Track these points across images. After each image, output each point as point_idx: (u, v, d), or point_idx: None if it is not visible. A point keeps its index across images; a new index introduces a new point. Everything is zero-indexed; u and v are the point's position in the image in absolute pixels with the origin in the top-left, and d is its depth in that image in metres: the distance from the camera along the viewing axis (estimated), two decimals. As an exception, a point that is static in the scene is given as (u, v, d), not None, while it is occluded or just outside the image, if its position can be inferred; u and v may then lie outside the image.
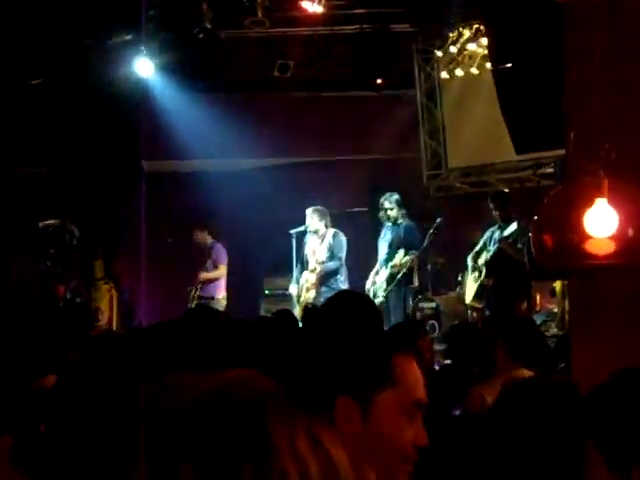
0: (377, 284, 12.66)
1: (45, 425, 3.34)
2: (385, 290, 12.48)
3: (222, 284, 13.79)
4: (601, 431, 2.42)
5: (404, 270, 12.40)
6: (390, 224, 12.81)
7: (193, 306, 13.04)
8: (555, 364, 6.50)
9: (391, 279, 12.44)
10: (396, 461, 2.21)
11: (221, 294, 13.71)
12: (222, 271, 13.74)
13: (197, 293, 13.60)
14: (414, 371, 2.32)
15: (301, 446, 0.91)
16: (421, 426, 2.26)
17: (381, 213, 12.98)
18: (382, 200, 12.95)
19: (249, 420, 0.92)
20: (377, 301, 12.20)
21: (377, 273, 12.81)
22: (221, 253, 13.83)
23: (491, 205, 12.15)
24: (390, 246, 12.66)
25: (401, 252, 12.37)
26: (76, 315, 6.50)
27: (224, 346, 3.56)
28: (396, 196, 12.85)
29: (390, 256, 12.60)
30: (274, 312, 7.79)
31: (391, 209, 12.79)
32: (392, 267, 12.41)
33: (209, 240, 13.94)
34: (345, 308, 4.13)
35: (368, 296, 10.25)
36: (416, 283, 12.75)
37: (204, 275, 13.69)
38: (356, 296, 4.65)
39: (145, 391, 0.98)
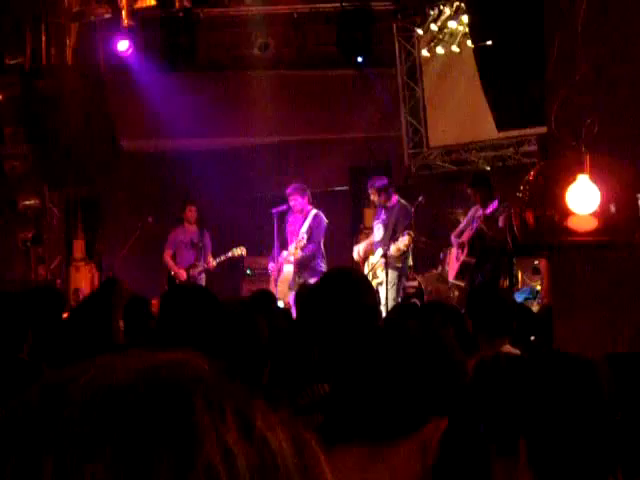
0: (376, 263, 12.59)
1: None
2: (383, 270, 12.44)
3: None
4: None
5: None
6: (383, 205, 12.74)
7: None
8: (537, 339, 6.50)
9: (394, 260, 12.40)
10: None
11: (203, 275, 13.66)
12: (213, 264, 13.61)
13: (198, 275, 13.51)
14: None
15: (229, 436, 0.85)
16: None
17: (370, 194, 12.91)
18: (371, 181, 12.87)
19: (172, 408, 0.86)
20: (376, 281, 12.21)
21: (373, 253, 12.76)
22: (210, 245, 13.71)
23: (469, 191, 12.11)
24: (385, 227, 12.60)
25: (405, 237, 12.28)
26: (48, 298, 6.47)
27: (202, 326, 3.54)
28: (379, 182, 12.71)
29: (385, 238, 12.52)
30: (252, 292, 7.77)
31: (373, 194, 12.73)
32: (396, 250, 12.33)
33: (195, 227, 13.76)
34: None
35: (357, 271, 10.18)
36: (410, 262, 12.73)
37: (198, 270, 13.55)
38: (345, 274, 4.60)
39: (53, 375, 0.91)
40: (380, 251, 12.54)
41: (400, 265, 12.48)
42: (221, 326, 3.44)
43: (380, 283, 12.37)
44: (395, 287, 12.39)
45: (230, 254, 13.46)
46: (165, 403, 0.85)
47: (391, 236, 12.46)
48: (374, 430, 2.14)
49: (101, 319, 5.97)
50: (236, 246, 13.65)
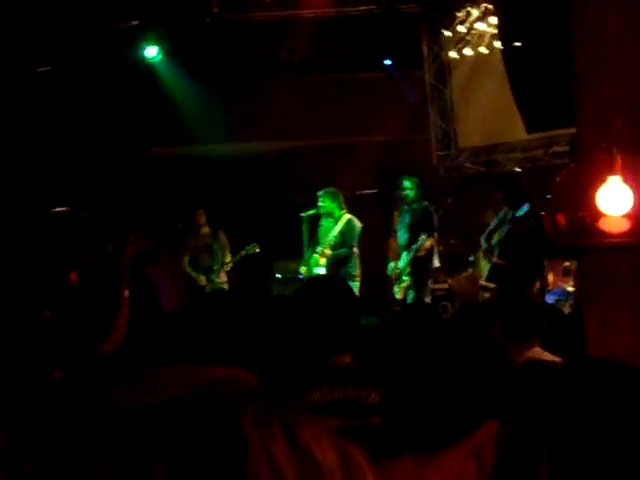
0: (400, 268, 12.58)
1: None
2: (409, 274, 12.42)
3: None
4: None
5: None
6: (407, 207, 12.70)
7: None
8: (567, 343, 6.45)
9: (415, 262, 12.37)
10: None
11: (224, 278, 13.68)
12: (229, 264, 13.65)
13: (216, 278, 13.54)
14: None
15: (277, 449, 0.86)
16: None
17: (399, 193, 12.84)
18: (401, 179, 12.82)
19: (222, 422, 0.87)
20: (403, 285, 12.19)
21: (398, 257, 12.74)
22: (227, 244, 13.73)
23: (501, 192, 12.08)
24: (410, 229, 12.57)
25: (423, 237, 12.26)
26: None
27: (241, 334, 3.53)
28: (416, 178, 12.72)
29: (411, 240, 12.50)
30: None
31: (410, 189, 12.66)
32: (416, 251, 12.31)
33: (207, 228, 13.79)
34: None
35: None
36: (437, 264, 12.69)
37: (234, 260, 13.59)
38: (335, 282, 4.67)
39: (118, 390, 0.94)
40: (405, 255, 12.51)
41: (423, 262, 12.45)
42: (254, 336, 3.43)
43: (407, 287, 12.35)
44: (423, 289, 12.37)
45: (244, 252, 13.47)
46: (215, 417, 0.86)
47: (415, 237, 12.45)
48: (426, 439, 2.11)
49: (105, 290, 5.90)
50: (265, 250, 13.68)
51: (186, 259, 13.77)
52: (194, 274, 13.60)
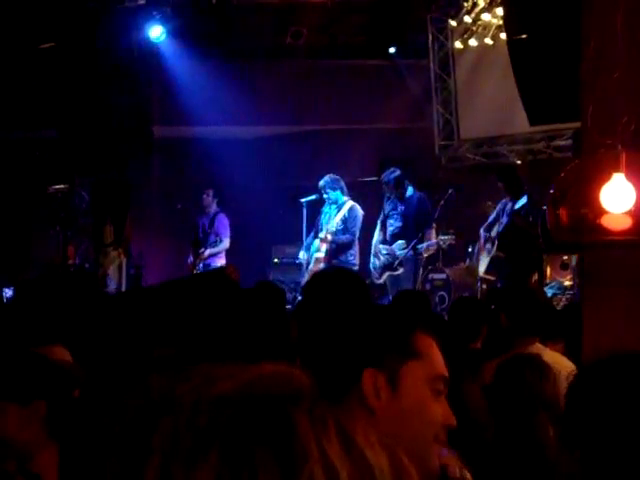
0: (395, 253, 12.56)
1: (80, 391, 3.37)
2: (400, 263, 12.43)
3: (223, 253, 13.78)
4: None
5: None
6: (393, 195, 12.71)
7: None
8: (563, 337, 6.46)
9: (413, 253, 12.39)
10: (430, 439, 2.17)
11: (220, 262, 13.69)
12: (226, 244, 13.69)
13: (200, 264, 13.57)
14: (436, 348, 2.29)
15: (331, 449, 0.87)
16: (448, 406, 2.22)
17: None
18: (382, 177, 12.86)
19: (277, 420, 0.87)
20: (397, 273, 12.21)
21: (385, 243, 12.71)
22: (225, 226, 13.75)
23: (502, 184, 12.10)
24: (405, 218, 12.55)
25: (433, 242, 12.28)
26: (82, 283, 6.47)
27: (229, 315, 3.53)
28: (394, 174, 12.68)
29: (406, 231, 12.48)
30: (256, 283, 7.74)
31: (390, 188, 12.69)
32: (420, 249, 12.32)
33: (213, 207, 13.87)
34: (350, 283, 4.11)
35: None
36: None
37: (209, 251, 13.62)
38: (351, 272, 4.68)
39: (162, 381, 0.93)
40: (401, 243, 12.49)
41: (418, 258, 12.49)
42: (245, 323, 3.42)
43: (398, 276, 12.35)
44: (414, 277, 12.39)
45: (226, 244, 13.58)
46: (270, 415, 0.86)
47: (413, 228, 12.43)
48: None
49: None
50: (264, 235, 13.73)
51: (191, 238, 13.87)
52: (192, 253, 13.69)
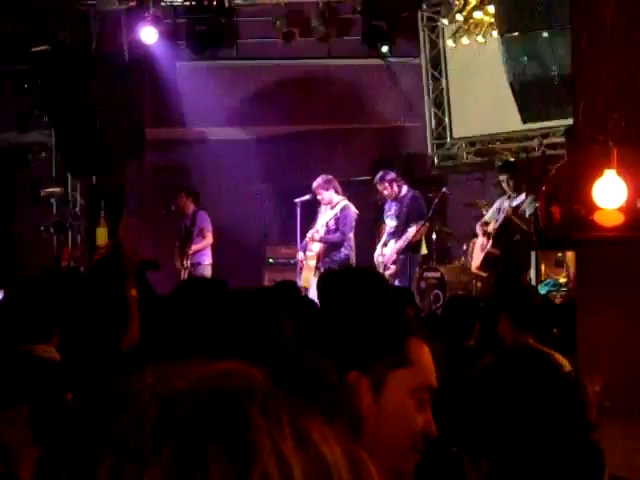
0: (387, 256, 12.62)
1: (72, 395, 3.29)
2: (394, 262, 12.46)
3: (208, 251, 13.78)
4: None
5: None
6: (392, 199, 12.74)
7: (185, 276, 13.05)
8: (559, 334, 6.47)
9: (402, 251, 12.41)
10: (407, 448, 2.15)
11: (208, 260, 13.70)
12: (209, 240, 13.70)
13: (187, 262, 13.58)
14: (427, 356, 2.26)
15: (285, 445, 0.86)
16: (431, 416, 2.19)
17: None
18: (375, 179, 12.88)
19: (230, 416, 0.86)
20: (387, 273, 12.23)
21: (385, 245, 12.76)
22: (206, 222, 13.74)
23: (502, 177, 12.08)
24: (397, 218, 12.59)
25: (412, 229, 12.28)
26: (75, 284, 6.45)
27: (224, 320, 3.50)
28: (387, 176, 12.71)
29: (398, 228, 12.53)
30: (276, 282, 7.74)
31: (384, 188, 12.72)
32: (406, 242, 12.32)
33: (191, 208, 13.86)
34: (356, 283, 4.11)
35: (379, 273, 10.17)
36: (424, 251, 12.71)
37: (194, 248, 13.63)
38: (367, 272, 4.66)
39: (118, 383, 0.93)
40: (393, 243, 12.54)
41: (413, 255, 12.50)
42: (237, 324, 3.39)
43: (392, 274, 12.38)
44: (409, 277, 12.41)
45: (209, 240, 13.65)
46: (223, 411, 0.85)
47: (406, 226, 12.46)
48: None
49: (113, 291, 5.89)
50: (258, 235, 13.73)
51: (176, 243, 13.87)
52: (177, 258, 13.70)
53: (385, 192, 12.73)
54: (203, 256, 13.69)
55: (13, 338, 4.19)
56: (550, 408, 2.34)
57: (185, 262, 13.55)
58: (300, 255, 12.82)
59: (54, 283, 6.19)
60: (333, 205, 12.57)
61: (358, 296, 4.02)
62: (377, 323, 2.31)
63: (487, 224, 12.14)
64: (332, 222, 12.49)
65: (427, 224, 12.49)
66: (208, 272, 13.28)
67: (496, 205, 12.16)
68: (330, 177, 12.69)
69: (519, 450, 2.27)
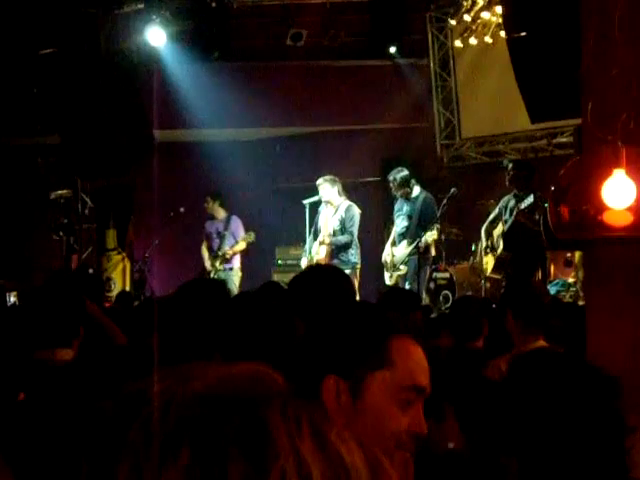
0: (397, 256, 12.60)
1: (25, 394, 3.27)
2: (405, 262, 12.45)
3: (239, 255, 13.85)
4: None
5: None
6: (400, 195, 12.72)
7: (213, 276, 13.14)
8: (569, 335, 6.46)
9: (414, 252, 12.38)
10: (391, 448, 2.10)
11: (237, 264, 13.76)
12: (242, 245, 13.74)
13: (221, 265, 13.64)
14: (413, 355, 2.19)
15: (304, 447, 0.86)
16: (420, 413, 2.14)
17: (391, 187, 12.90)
18: (389, 176, 12.86)
19: (250, 417, 0.87)
20: (397, 274, 12.21)
21: (394, 244, 12.74)
22: (240, 227, 13.83)
23: (518, 174, 11.92)
24: (409, 219, 12.56)
25: (430, 233, 12.24)
26: (87, 286, 6.43)
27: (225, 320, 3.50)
28: (401, 174, 12.68)
29: (410, 230, 12.50)
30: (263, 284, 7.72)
31: (395, 187, 12.69)
32: (419, 244, 12.29)
33: (222, 213, 13.91)
34: (328, 283, 4.09)
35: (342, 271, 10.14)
36: (433, 252, 12.68)
37: (233, 250, 13.68)
38: (333, 271, 4.61)
39: (137, 385, 0.93)
40: (405, 243, 12.51)
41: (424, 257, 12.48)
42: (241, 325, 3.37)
43: (402, 275, 12.37)
44: (419, 279, 12.38)
45: (244, 244, 13.63)
46: (241, 411, 0.86)
47: (418, 227, 12.43)
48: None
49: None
50: (267, 236, 13.72)
51: (204, 244, 13.90)
52: (208, 259, 13.74)
53: (396, 191, 12.71)
54: (234, 259, 13.76)
55: (30, 342, 4.18)
56: (591, 411, 2.32)
57: (218, 264, 13.61)
58: (304, 259, 12.81)
59: (70, 286, 6.17)
60: (335, 205, 12.57)
61: (328, 298, 3.97)
62: (357, 324, 2.25)
63: (492, 225, 12.14)
64: (338, 224, 12.48)
65: (438, 227, 12.47)
66: (238, 277, 13.56)
67: (501, 204, 12.13)
68: (333, 177, 12.72)
69: (556, 451, 2.25)
